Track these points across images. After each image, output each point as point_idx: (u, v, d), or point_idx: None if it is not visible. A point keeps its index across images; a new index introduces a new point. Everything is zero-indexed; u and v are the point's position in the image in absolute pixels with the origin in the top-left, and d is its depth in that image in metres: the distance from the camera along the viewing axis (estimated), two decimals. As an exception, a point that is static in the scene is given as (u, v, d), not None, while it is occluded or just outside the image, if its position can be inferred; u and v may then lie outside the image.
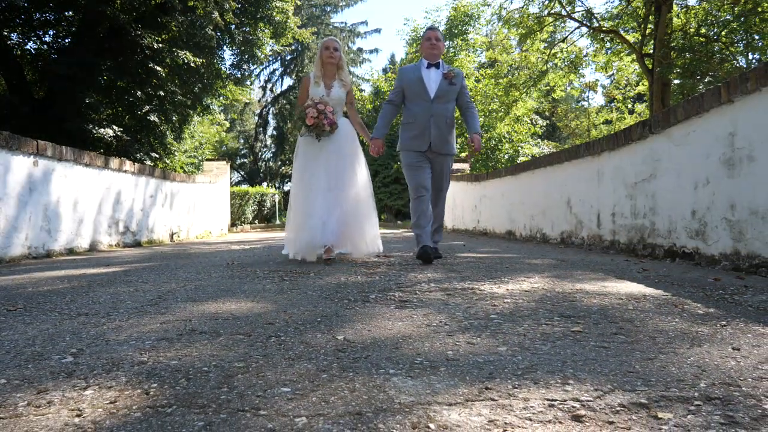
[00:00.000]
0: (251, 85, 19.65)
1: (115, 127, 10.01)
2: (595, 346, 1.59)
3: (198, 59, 10.50)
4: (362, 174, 4.28)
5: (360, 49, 33.77)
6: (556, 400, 1.16)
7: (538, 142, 17.75)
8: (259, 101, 34.80)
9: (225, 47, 12.61)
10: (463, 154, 15.28)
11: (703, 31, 12.13)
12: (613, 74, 17.17)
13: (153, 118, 11.02)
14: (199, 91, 11.80)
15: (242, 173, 36.57)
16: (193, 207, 10.47)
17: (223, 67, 12.78)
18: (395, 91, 4.22)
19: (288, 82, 32.79)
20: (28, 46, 10.87)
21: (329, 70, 4.25)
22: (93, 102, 9.68)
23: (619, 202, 5.01)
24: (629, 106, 19.74)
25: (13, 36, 10.47)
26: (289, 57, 31.45)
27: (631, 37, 13.52)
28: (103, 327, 1.92)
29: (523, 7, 14.37)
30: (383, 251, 4.45)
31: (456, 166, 14.23)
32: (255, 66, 16.34)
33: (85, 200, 6.15)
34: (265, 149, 36.81)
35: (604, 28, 13.62)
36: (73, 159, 5.84)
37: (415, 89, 4.08)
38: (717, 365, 1.40)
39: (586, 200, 5.77)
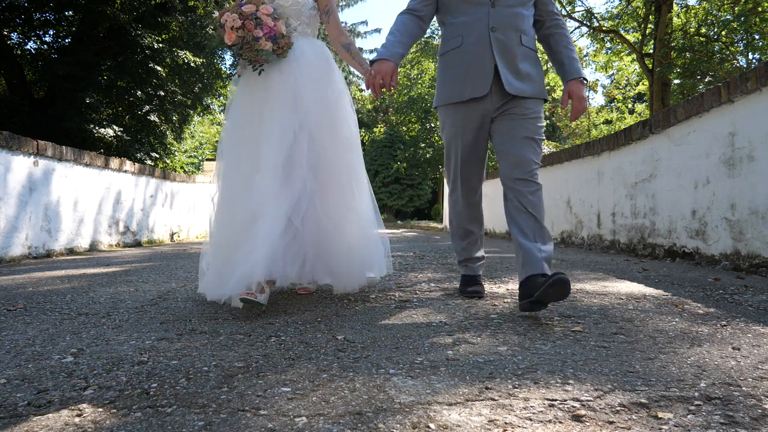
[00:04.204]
0: (251, 84, 19.65)
1: (115, 127, 10.02)
2: (595, 346, 1.59)
3: (198, 59, 10.50)
4: (350, 141, 2.41)
5: (360, 49, 33.77)
6: (556, 400, 1.16)
7: (538, 142, 17.71)
8: (259, 101, 34.78)
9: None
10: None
11: (703, 30, 12.13)
12: (613, 74, 17.18)
13: (153, 118, 11.03)
14: (200, 91, 11.82)
15: (242, 173, 36.56)
16: (194, 207, 10.47)
17: (223, 67, 12.81)
18: None
19: (288, 82, 32.80)
20: (28, 46, 10.89)
21: None
22: (93, 102, 9.68)
23: (619, 201, 5.01)
24: (629, 106, 19.74)
25: (14, 36, 10.48)
26: (289, 57, 31.46)
27: (631, 37, 13.53)
28: (103, 327, 1.92)
29: (523, 7, 14.34)
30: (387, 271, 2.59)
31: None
32: (255, 66, 16.34)
33: (86, 200, 6.15)
34: (265, 149, 36.79)
35: (604, 28, 13.62)
36: (74, 159, 5.84)
37: None
38: (717, 365, 1.39)
39: (586, 200, 5.77)
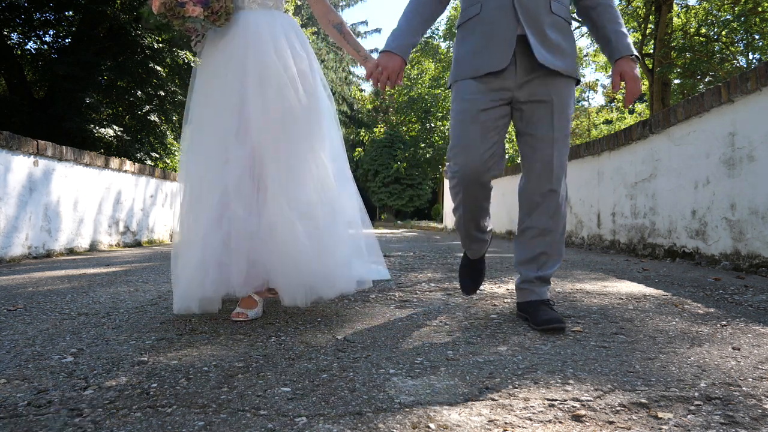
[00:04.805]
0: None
1: (115, 126, 10.02)
2: (596, 346, 1.59)
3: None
4: (311, 126, 2.02)
5: (360, 49, 33.61)
6: (556, 400, 1.16)
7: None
8: (259, 101, 34.73)
9: (225, 47, 12.59)
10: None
11: (703, 30, 12.14)
12: (613, 74, 17.17)
13: (153, 117, 11.03)
14: (200, 91, 11.80)
15: (242, 173, 36.51)
16: (193, 207, 10.47)
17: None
18: None
19: (288, 81, 32.77)
20: (28, 46, 10.89)
21: None
22: (93, 102, 9.68)
23: (620, 201, 5.01)
24: (629, 106, 19.74)
25: (14, 36, 10.48)
26: (289, 57, 31.43)
27: (631, 37, 13.53)
28: (103, 327, 1.92)
29: (523, 7, 14.35)
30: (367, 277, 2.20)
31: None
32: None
33: (86, 200, 6.15)
34: (265, 149, 36.70)
35: (604, 28, 13.61)
36: (74, 159, 5.84)
37: None
38: (717, 365, 1.39)
39: (586, 200, 5.77)
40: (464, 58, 1.91)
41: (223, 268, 1.89)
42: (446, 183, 13.97)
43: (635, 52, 1.86)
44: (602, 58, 15.16)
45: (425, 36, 22.01)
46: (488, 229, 2.13)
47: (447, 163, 1.97)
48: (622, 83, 1.87)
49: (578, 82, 1.95)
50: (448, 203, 13.54)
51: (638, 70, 1.86)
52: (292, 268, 1.91)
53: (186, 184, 2.02)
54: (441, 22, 21.54)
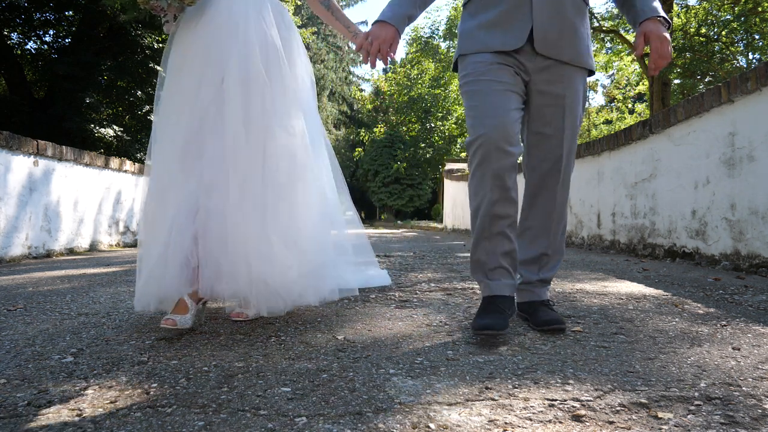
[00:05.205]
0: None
1: (115, 126, 10.03)
2: (596, 346, 1.59)
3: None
4: (287, 116, 1.86)
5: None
6: (556, 400, 1.16)
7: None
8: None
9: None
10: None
11: (703, 30, 12.14)
12: (613, 74, 17.18)
13: (153, 118, 11.05)
14: (199, 91, 11.80)
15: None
16: (193, 207, 10.47)
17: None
18: None
19: (288, 82, 32.72)
20: (28, 46, 10.90)
21: None
22: (93, 102, 9.69)
23: (620, 201, 5.01)
24: (629, 106, 19.75)
25: (14, 36, 10.49)
26: (289, 57, 31.39)
27: (631, 37, 13.53)
28: (103, 327, 1.92)
29: (523, 7, 14.34)
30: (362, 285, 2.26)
31: (456, 165, 14.14)
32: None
33: (86, 200, 6.15)
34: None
35: (604, 28, 13.63)
36: (74, 159, 5.84)
37: None
38: (717, 365, 1.39)
39: (586, 200, 5.77)
40: (474, 34, 1.75)
41: (189, 267, 1.72)
42: (446, 183, 13.94)
43: (663, 14, 1.66)
44: (602, 58, 15.15)
45: (425, 36, 22.01)
46: (515, 235, 1.80)
47: (467, 139, 1.76)
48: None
49: (591, 72, 1.84)
50: (448, 203, 13.52)
51: (667, 33, 1.64)
52: (254, 277, 1.73)
53: (156, 172, 1.86)
54: (441, 23, 21.54)
